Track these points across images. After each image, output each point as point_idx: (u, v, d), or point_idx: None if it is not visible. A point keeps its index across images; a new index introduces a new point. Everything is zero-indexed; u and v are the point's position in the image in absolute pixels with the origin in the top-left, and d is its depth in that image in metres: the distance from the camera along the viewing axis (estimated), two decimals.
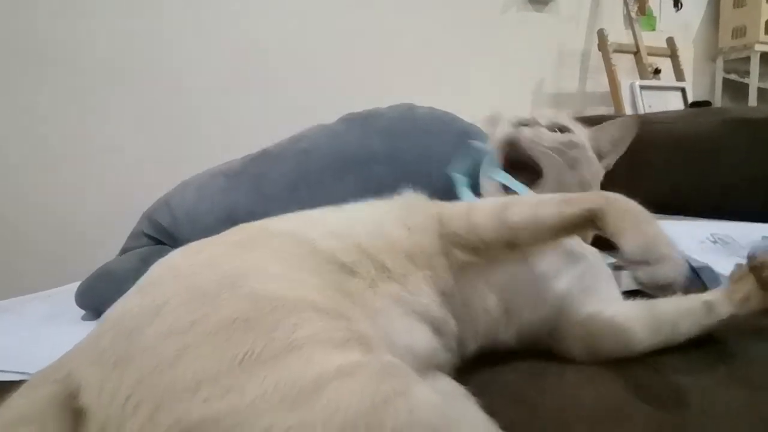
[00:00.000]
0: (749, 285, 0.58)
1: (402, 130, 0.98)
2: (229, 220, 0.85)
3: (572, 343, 0.57)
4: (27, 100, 1.54)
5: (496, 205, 0.57)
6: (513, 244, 0.56)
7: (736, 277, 0.60)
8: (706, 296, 0.58)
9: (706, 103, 2.39)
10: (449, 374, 0.51)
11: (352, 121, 1.02)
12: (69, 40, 1.57)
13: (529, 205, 0.55)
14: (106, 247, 1.00)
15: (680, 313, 0.56)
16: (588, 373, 0.54)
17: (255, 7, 1.81)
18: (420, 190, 0.89)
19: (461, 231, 0.56)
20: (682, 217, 0.79)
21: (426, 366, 0.47)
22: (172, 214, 0.93)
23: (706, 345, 0.57)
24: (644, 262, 0.44)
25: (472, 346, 0.56)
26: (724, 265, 0.62)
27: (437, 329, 0.51)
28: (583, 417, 0.47)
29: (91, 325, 0.78)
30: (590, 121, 1.18)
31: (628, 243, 0.46)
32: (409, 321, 0.50)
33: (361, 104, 1.09)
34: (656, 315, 0.56)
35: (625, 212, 0.50)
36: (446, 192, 0.92)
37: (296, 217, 0.58)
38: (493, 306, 0.57)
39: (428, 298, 0.52)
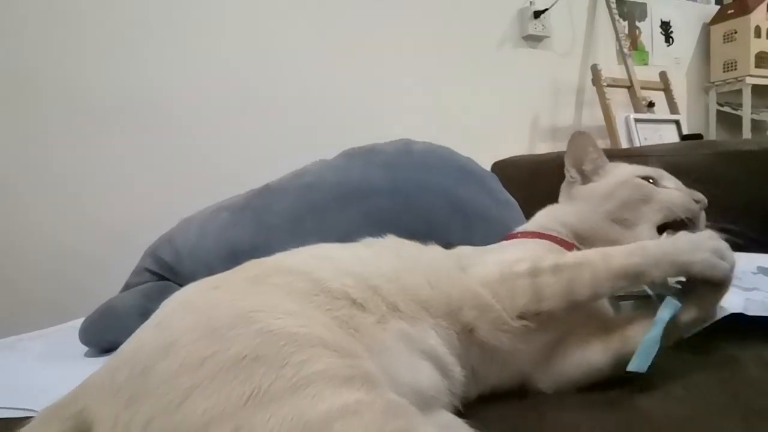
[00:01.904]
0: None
1: (401, 165, 1.01)
2: (232, 254, 0.87)
3: (545, 383, 0.58)
4: (31, 133, 1.55)
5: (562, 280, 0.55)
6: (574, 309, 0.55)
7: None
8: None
9: (698, 136, 2.43)
10: (449, 410, 0.51)
11: (353, 155, 1.05)
12: (74, 72, 1.59)
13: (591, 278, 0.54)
14: (109, 284, 1.01)
15: (626, 319, 0.58)
16: (588, 402, 0.54)
17: (249, 43, 1.85)
18: (421, 222, 0.91)
19: (529, 304, 0.55)
20: None
21: (428, 404, 0.47)
22: (175, 250, 0.94)
23: (705, 372, 0.58)
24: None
25: (474, 393, 0.56)
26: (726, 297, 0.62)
27: (443, 371, 0.52)
28: None
29: (94, 362, 0.79)
30: None
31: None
32: (414, 359, 0.50)
33: (357, 139, 1.11)
34: (606, 327, 0.58)
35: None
36: (444, 223, 0.94)
37: (310, 252, 0.58)
38: (497, 374, 0.57)
39: (435, 341, 0.52)
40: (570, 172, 0.80)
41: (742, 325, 0.63)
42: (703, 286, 0.56)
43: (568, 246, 0.72)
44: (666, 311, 0.53)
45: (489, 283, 0.57)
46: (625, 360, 0.53)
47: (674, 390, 0.54)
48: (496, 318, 0.55)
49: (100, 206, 1.62)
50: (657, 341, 0.52)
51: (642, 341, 0.52)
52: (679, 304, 0.54)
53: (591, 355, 0.57)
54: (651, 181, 0.73)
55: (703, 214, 0.73)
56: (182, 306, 0.46)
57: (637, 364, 0.51)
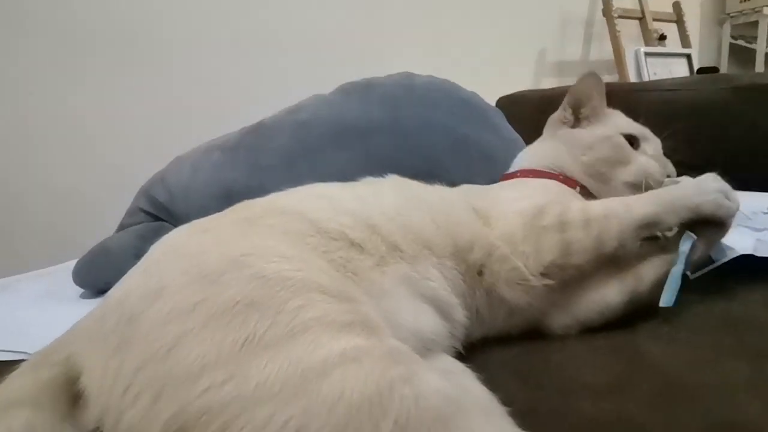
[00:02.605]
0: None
1: (402, 99, 0.96)
2: (226, 194, 0.84)
3: (558, 324, 0.58)
4: (23, 72, 1.51)
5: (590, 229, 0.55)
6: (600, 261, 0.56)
7: None
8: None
9: (713, 69, 2.35)
10: (450, 353, 0.50)
11: (351, 90, 1.00)
12: (67, 7, 1.53)
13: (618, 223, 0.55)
14: (105, 224, 0.99)
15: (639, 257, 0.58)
16: (589, 346, 0.54)
17: None
18: (422, 161, 0.88)
19: (557, 259, 0.54)
20: None
21: (429, 348, 0.47)
22: (168, 190, 0.91)
23: (711, 315, 0.57)
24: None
25: (477, 334, 0.55)
26: (729, 235, 0.60)
27: (444, 314, 0.51)
28: (586, 387, 0.46)
29: (89, 303, 0.79)
30: None
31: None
32: (415, 303, 0.49)
33: (358, 74, 1.06)
34: (619, 266, 0.58)
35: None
36: (447, 162, 0.91)
37: (305, 192, 0.56)
38: (504, 319, 0.57)
39: (437, 282, 0.51)
40: (566, 111, 0.79)
41: (751, 266, 0.61)
42: (708, 225, 0.57)
43: (572, 184, 0.72)
44: (685, 244, 0.55)
45: (511, 236, 0.56)
46: (639, 298, 0.56)
47: (680, 334, 0.53)
48: (514, 272, 0.55)
49: (95, 145, 1.60)
50: (681, 275, 0.54)
51: (669, 277, 0.54)
52: (695, 237, 0.56)
53: (607, 295, 0.57)
54: (633, 140, 0.74)
55: None
56: (170, 250, 0.45)
57: (667, 299, 0.53)
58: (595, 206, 0.57)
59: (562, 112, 0.80)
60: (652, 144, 0.76)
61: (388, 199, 0.56)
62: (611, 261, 0.57)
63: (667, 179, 0.72)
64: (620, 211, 0.55)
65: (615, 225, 0.54)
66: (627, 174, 0.71)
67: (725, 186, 0.57)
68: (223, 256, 0.40)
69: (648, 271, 0.57)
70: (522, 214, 0.57)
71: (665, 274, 0.55)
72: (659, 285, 0.55)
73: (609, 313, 0.56)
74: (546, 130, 0.83)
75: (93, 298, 0.82)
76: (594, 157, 0.73)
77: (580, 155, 0.74)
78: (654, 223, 0.55)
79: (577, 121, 0.78)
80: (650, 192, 0.59)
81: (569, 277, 0.55)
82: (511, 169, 0.81)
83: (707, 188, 0.56)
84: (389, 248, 0.50)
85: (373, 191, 0.57)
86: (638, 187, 0.69)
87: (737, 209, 0.56)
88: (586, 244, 0.54)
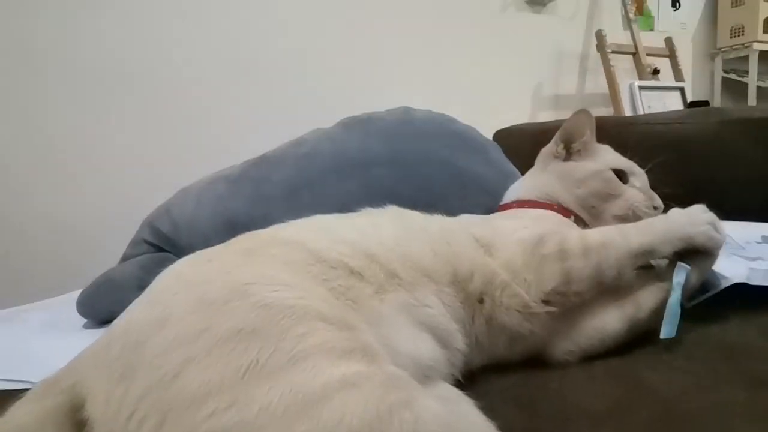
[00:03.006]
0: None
1: (401, 134, 0.98)
2: (230, 225, 0.86)
3: (560, 351, 0.58)
4: (28, 105, 1.53)
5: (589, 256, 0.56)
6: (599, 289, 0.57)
7: None
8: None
9: (704, 103, 2.39)
10: (449, 381, 0.50)
11: (351, 124, 1.02)
12: (71, 43, 1.57)
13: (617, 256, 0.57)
14: (108, 255, 1.00)
15: (637, 285, 0.60)
16: (588, 373, 0.54)
17: (251, 11, 1.81)
18: (420, 192, 0.90)
19: (559, 287, 0.56)
20: None
21: (427, 375, 0.47)
22: (172, 221, 0.92)
23: (707, 342, 0.57)
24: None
25: (476, 363, 0.56)
26: (723, 265, 0.62)
27: (443, 342, 0.51)
28: (585, 414, 0.47)
29: (93, 334, 0.79)
30: None
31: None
32: (414, 330, 0.49)
33: (357, 107, 1.09)
34: (619, 294, 0.59)
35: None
36: (445, 194, 0.92)
37: (305, 224, 0.57)
38: (504, 348, 0.58)
39: (436, 309, 0.52)
40: (558, 145, 0.82)
41: (745, 294, 0.62)
42: (697, 254, 0.59)
43: (566, 214, 0.74)
44: (680, 275, 0.57)
45: (512, 264, 0.57)
46: (639, 325, 0.57)
47: (677, 361, 0.54)
48: (515, 299, 0.56)
49: (98, 177, 1.62)
50: (679, 306, 0.55)
51: (667, 309, 0.55)
52: (689, 267, 0.57)
53: (607, 324, 0.58)
54: (621, 175, 0.77)
55: None
56: (175, 280, 0.46)
57: (668, 331, 0.54)
58: (593, 235, 0.58)
59: (554, 146, 0.83)
60: (640, 177, 0.78)
61: (386, 229, 0.57)
62: (609, 289, 0.58)
63: (653, 211, 0.74)
64: (617, 240, 0.57)
65: (613, 254, 0.56)
66: (616, 207, 0.74)
67: (714, 217, 0.59)
68: (227, 284, 0.41)
69: (646, 298, 0.58)
70: (522, 242, 0.59)
71: (663, 301, 0.56)
72: (658, 312, 0.56)
73: (609, 341, 0.57)
74: (537, 163, 0.86)
75: (96, 329, 0.83)
76: (586, 190, 0.75)
77: (573, 188, 0.76)
78: (649, 252, 0.57)
79: (568, 155, 0.81)
80: (645, 221, 0.61)
81: (570, 304, 0.56)
82: (505, 200, 0.83)
83: (698, 219, 0.58)
84: (388, 276, 0.51)
85: (371, 222, 0.59)
86: (626, 219, 0.72)
87: (724, 241, 0.59)
88: (586, 272, 0.55)
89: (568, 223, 0.71)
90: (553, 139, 0.83)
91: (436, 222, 0.63)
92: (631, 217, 0.72)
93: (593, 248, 0.56)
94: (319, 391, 0.34)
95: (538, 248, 0.57)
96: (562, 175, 0.79)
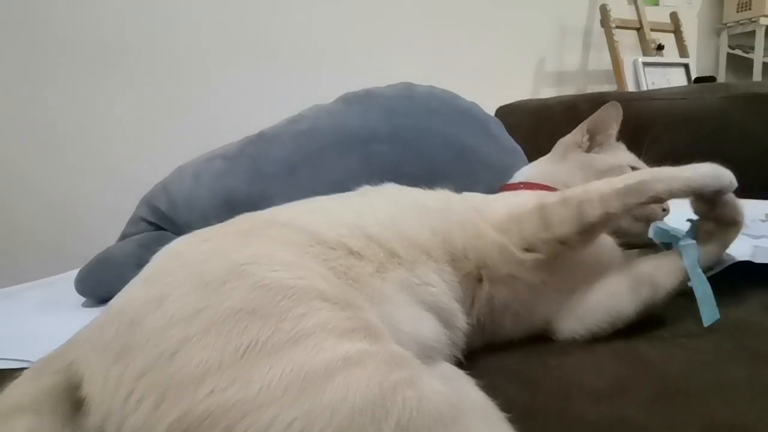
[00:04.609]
0: (710, 224, 0.60)
1: (402, 109, 0.97)
2: (228, 203, 0.85)
3: (567, 330, 0.57)
4: (26, 82, 1.52)
5: (568, 203, 0.55)
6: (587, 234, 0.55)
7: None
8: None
9: (710, 79, 2.36)
10: (450, 361, 0.50)
11: (351, 100, 1.01)
12: (69, 20, 1.54)
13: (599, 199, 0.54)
14: (108, 233, 1.00)
15: (655, 266, 0.58)
16: (589, 350, 0.54)
17: None
18: (422, 169, 0.89)
19: (538, 232, 0.55)
20: None
21: (429, 355, 0.47)
22: (170, 198, 0.92)
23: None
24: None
25: (478, 343, 0.55)
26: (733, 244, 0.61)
27: (445, 321, 0.51)
28: (585, 391, 0.46)
29: (91, 312, 0.79)
30: (592, 100, 1.16)
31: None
32: (416, 310, 0.49)
33: (357, 83, 1.07)
34: (635, 275, 0.57)
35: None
36: (447, 171, 0.91)
37: (301, 206, 0.57)
38: (505, 322, 0.57)
39: (438, 288, 0.52)
40: (584, 135, 0.81)
41: (749, 272, 0.62)
42: (719, 225, 0.57)
43: None
44: (688, 256, 0.54)
45: (498, 223, 0.57)
46: (653, 307, 0.55)
47: (678, 338, 0.54)
48: (503, 253, 0.55)
49: (97, 154, 1.61)
50: (708, 286, 0.53)
51: (696, 296, 0.53)
52: (693, 241, 0.55)
53: (621, 307, 0.56)
54: None
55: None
56: (172, 259, 0.45)
57: (710, 316, 0.52)
58: (575, 189, 0.57)
59: (578, 136, 0.82)
60: None
61: (383, 208, 0.56)
62: (623, 268, 0.57)
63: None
64: (600, 185, 0.55)
65: (595, 194, 0.54)
66: None
67: (718, 167, 0.55)
68: (225, 264, 0.41)
69: (664, 280, 0.56)
70: (509, 205, 0.59)
71: (681, 283, 0.55)
72: (675, 294, 0.55)
73: (620, 324, 0.56)
74: (556, 151, 0.85)
75: (95, 307, 0.82)
76: None
77: (592, 179, 0.74)
78: (640, 189, 0.54)
79: (590, 147, 0.82)
80: (633, 172, 0.59)
81: (559, 252, 0.55)
82: (513, 180, 0.82)
83: (697, 165, 0.55)
84: (387, 255, 0.50)
85: (367, 202, 0.58)
86: (636, 216, 0.70)
87: (732, 182, 0.55)
88: (567, 214, 0.54)
89: None
90: (577, 129, 0.83)
91: (435, 197, 0.62)
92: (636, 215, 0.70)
93: (572, 196, 0.55)
94: (322, 369, 0.33)
95: (521, 207, 0.57)
96: (582, 166, 0.78)
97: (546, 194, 0.66)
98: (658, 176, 0.54)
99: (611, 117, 0.80)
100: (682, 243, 0.55)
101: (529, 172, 0.84)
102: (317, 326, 0.36)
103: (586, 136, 0.81)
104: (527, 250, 0.55)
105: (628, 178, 0.55)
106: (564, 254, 0.55)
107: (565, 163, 0.81)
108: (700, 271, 0.53)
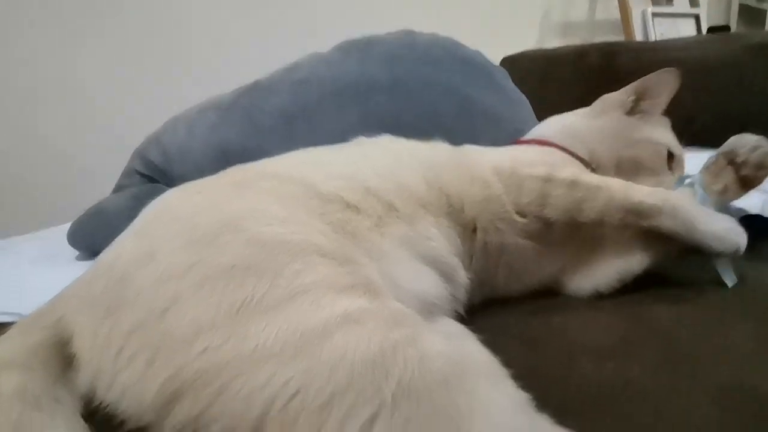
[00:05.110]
0: (727, 179, 0.59)
1: (402, 58, 0.93)
2: (222, 156, 0.82)
3: (573, 286, 0.57)
4: (21, 33, 1.47)
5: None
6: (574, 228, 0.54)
7: (713, 169, 0.60)
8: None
9: (725, 28, 2.28)
10: (451, 317, 0.49)
11: (349, 48, 0.96)
12: None
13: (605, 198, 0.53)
14: (102, 186, 0.97)
15: None
16: (592, 307, 0.53)
17: None
18: (423, 121, 0.86)
19: (532, 203, 0.54)
20: (699, 148, 0.75)
21: (431, 311, 0.46)
22: (163, 150, 0.89)
23: (717, 276, 0.55)
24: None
25: (478, 298, 0.55)
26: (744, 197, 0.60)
27: (446, 276, 0.50)
28: (589, 350, 0.46)
29: (85, 265, 0.77)
30: (603, 50, 1.12)
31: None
32: (416, 265, 0.48)
33: (357, 32, 1.02)
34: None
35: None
36: (450, 123, 0.88)
37: (296, 157, 0.55)
38: (499, 275, 0.56)
39: (438, 242, 0.50)
40: (630, 96, 0.74)
41: (759, 226, 0.60)
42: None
43: (584, 164, 0.70)
44: None
45: (500, 171, 0.56)
46: (664, 266, 0.55)
47: (685, 295, 0.53)
48: (496, 203, 0.54)
49: (93, 106, 1.58)
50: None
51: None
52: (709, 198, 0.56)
53: (633, 266, 0.55)
54: (671, 158, 0.71)
55: None
56: (163, 213, 0.44)
57: (730, 278, 0.53)
58: (593, 176, 0.55)
59: (624, 96, 0.75)
60: (681, 166, 0.73)
61: (379, 160, 0.55)
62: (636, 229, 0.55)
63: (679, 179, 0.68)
64: (616, 188, 0.53)
65: (603, 198, 0.52)
66: (647, 183, 0.66)
67: (737, 228, 0.52)
68: (217, 218, 0.39)
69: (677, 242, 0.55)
70: (515, 159, 0.57)
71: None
72: (685, 255, 0.54)
73: (629, 281, 0.55)
74: (594, 106, 0.78)
75: (89, 260, 0.81)
76: (632, 153, 0.70)
77: (622, 146, 0.71)
78: (647, 214, 0.52)
79: (631, 111, 0.74)
80: (661, 189, 0.55)
81: (544, 229, 0.54)
82: (528, 136, 0.78)
83: (716, 220, 0.52)
84: (385, 208, 0.49)
85: (363, 153, 0.56)
86: None
87: (741, 250, 0.52)
88: (564, 202, 0.53)
89: (577, 164, 0.67)
90: (624, 88, 0.75)
91: (430, 149, 0.60)
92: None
93: (584, 184, 0.53)
94: (320, 327, 0.32)
95: (528, 168, 0.56)
96: (617, 129, 0.72)
97: (561, 161, 0.64)
98: (676, 213, 0.52)
99: (666, 84, 0.73)
100: (700, 200, 0.55)
101: (550, 127, 0.78)
102: (315, 283, 0.35)
103: (633, 97, 0.74)
104: (519, 214, 0.54)
105: (649, 197, 0.52)
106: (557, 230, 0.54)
107: (598, 121, 0.74)
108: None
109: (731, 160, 0.59)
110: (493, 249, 0.55)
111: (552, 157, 0.66)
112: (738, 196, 0.59)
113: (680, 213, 0.52)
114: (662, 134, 0.73)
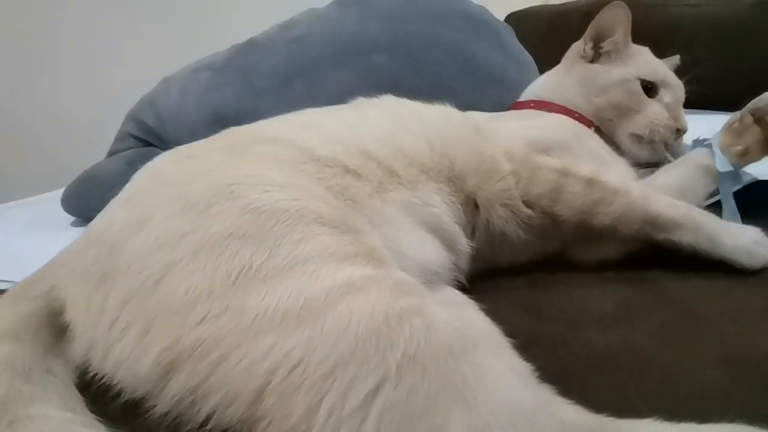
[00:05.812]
0: (750, 138, 0.57)
1: (402, 14, 0.90)
2: (217, 118, 0.80)
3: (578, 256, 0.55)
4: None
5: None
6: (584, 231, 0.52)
7: (737, 128, 0.59)
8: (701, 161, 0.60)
9: None
10: (453, 286, 0.48)
11: (347, 4, 0.93)
12: None
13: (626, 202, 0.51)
14: (97, 150, 0.95)
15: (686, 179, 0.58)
16: (596, 274, 0.52)
17: None
18: (425, 82, 0.83)
19: (542, 197, 0.51)
20: (711, 111, 0.73)
21: (433, 280, 0.45)
22: (156, 113, 0.87)
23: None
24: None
25: (480, 267, 0.53)
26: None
27: (448, 244, 0.48)
28: (593, 317, 0.45)
29: (79, 231, 0.75)
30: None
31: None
32: (419, 232, 0.46)
33: None
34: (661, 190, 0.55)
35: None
36: (452, 84, 0.85)
37: (293, 119, 0.53)
38: (504, 251, 0.54)
39: (440, 209, 0.49)
40: (587, 44, 0.72)
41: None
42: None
43: (589, 124, 0.68)
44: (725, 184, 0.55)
45: (513, 156, 0.53)
46: None
47: (691, 263, 0.51)
48: (504, 192, 0.52)
49: (87, 69, 1.55)
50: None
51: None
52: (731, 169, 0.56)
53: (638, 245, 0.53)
54: (650, 87, 0.69)
55: (681, 142, 0.70)
56: (154, 178, 0.42)
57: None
58: (613, 176, 0.53)
59: (582, 44, 0.73)
60: (672, 91, 0.70)
61: (379, 122, 0.52)
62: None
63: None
64: (636, 195, 0.51)
65: (621, 205, 0.50)
66: (633, 125, 0.67)
67: (765, 239, 0.50)
68: (211, 185, 0.37)
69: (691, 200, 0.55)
70: (530, 140, 0.55)
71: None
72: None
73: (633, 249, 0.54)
74: (564, 60, 0.76)
75: (83, 226, 0.80)
76: (605, 100, 0.68)
77: (592, 96, 0.69)
78: (665, 227, 0.50)
79: (597, 55, 0.72)
80: (683, 203, 0.53)
81: (551, 225, 0.53)
82: (524, 98, 0.76)
83: (742, 233, 0.50)
84: (386, 174, 0.47)
85: (363, 115, 0.54)
86: (643, 140, 0.66)
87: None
88: (578, 202, 0.51)
89: (589, 135, 0.65)
90: (583, 36, 0.73)
91: (434, 111, 0.58)
92: (647, 137, 0.66)
93: (603, 185, 0.51)
94: (322, 296, 0.31)
95: (543, 156, 0.53)
96: (584, 80, 0.71)
97: (570, 137, 0.61)
98: (698, 227, 0.50)
99: (615, 20, 0.70)
100: (718, 163, 0.53)
101: (539, 86, 0.77)
102: (316, 252, 0.33)
103: (590, 44, 0.72)
104: (526, 204, 0.52)
105: (669, 209, 0.50)
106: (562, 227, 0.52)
107: (568, 76, 0.73)
108: (733, 202, 0.52)
109: (760, 118, 0.56)
110: (496, 233, 0.53)
111: (564, 127, 0.64)
112: (759, 158, 0.57)
113: (703, 227, 0.50)
114: (632, 69, 0.70)
